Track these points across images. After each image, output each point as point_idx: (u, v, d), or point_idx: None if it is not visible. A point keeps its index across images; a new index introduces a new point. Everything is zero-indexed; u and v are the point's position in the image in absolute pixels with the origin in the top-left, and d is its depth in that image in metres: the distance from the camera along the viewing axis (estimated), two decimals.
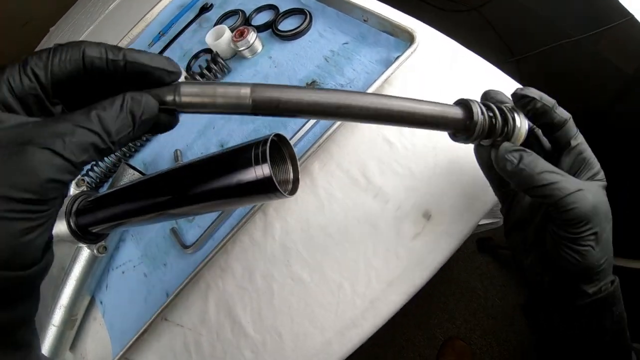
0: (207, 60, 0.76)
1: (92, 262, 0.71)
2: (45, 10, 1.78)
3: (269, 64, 0.74)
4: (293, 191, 0.34)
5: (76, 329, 0.75)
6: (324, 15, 0.75)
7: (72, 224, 0.40)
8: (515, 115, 0.36)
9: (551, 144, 0.39)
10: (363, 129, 0.62)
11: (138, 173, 0.72)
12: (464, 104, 0.37)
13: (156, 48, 0.97)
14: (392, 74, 0.60)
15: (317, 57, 0.70)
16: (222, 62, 0.75)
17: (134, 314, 0.69)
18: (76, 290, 0.72)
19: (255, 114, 0.32)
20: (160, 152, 0.80)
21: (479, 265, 1.57)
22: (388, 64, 0.62)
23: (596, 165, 0.36)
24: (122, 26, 1.17)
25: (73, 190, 0.84)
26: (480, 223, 0.68)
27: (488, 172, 0.43)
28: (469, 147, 0.45)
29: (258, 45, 0.76)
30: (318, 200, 0.60)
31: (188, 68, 0.84)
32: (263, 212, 0.63)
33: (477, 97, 0.58)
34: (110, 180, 0.79)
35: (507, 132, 0.36)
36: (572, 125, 0.37)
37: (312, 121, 0.62)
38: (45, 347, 0.73)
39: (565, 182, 0.33)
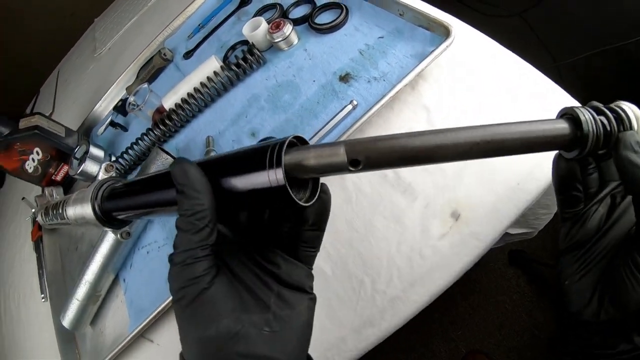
0: (243, 51, 0.77)
1: (118, 243, 0.74)
2: (88, 2, 1.87)
3: (304, 57, 0.75)
4: (310, 199, 0.31)
5: (98, 305, 0.79)
6: (361, 10, 0.75)
7: (97, 209, 0.41)
8: (624, 107, 0.31)
9: None
10: (394, 122, 0.61)
11: (170, 157, 0.74)
12: (568, 113, 0.32)
13: (195, 40, 1.00)
14: (425, 67, 0.59)
15: (352, 51, 0.70)
16: (258, 53, 0.76)
17: (154, 294, 0.71)
18: (101, 268, 0.75)
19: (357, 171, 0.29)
20: (193, 138, 0.82)
21: (509, 278, 1.51)
22: (423, 58, 0.61)
23: None
24: (163, 18, 1.21)
25: (102, 175, 0.88)
26: (511, 232, 0.66)
27: (564, 187, 0.37)
28: None
29: (294, 38, 0.77)
30: (346, 193, 0.60)
31: (225, 59, 0.86)
32: None
33: (515, 96, 0.57)
34: (142, 164, 0.82)
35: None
36: None
37: (343, 113, 0.62)
38: (67, 319, 0.77)
39: None
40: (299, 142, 0.30)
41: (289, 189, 0.26)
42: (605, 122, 0.30)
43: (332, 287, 0.56)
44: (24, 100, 1.83)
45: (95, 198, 0.41)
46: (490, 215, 0.52)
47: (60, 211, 0.48)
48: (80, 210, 0.43)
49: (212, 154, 0.74)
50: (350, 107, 0.63)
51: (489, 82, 0.59)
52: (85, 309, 0.78)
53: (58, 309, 0.84)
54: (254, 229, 0.35)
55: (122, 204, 0.40)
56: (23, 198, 1.17)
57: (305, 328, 0.33)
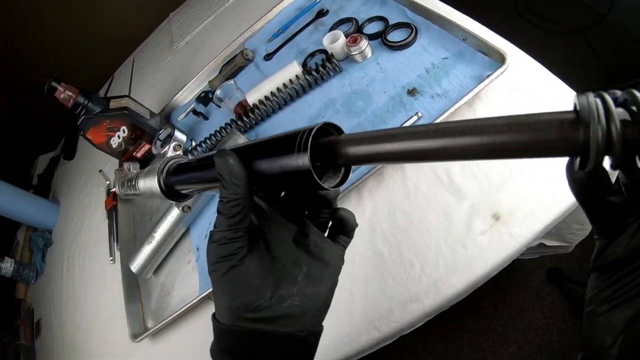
0: (322, 59, 0.93)
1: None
2: None
3: (377, 70, 0.89)
4: (340, 183, 0.35)
5: (164, 255, 0.98)
6: (429, 31, 0.89)
7: (162, 182, 0.46)
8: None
9: None
10: None
11: (244, 137, 0.90)
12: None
13: (274, 44, 1.16)
14: (482, 89, 0.73)
15: (419, 68, 0.84)
16: (336, 62, 0.91)
17: None
18: (170, 229, 0.94)
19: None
20: (272, 132, 0.96)
21: (544, 296, 1.58)
22: (480, 80, 0.75)
23: None
24: (241, 19, 1.38)
25: (170, 153, 1.04)
26: (547, 243, 0.77)
27: (587, 201, 0.30)
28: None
29: (368, 52, 0.91)
30: (406, 190, 0.74)
31: (304, 64, 1.01)
32: (357, 192, 0.78)
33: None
34: (219, 143, 0.98)
35: None
36: None
37: (409, 122, 0.77)
38: (135, 265, 0.96)
39: None
40: (334, 130, 0.34)
41: (313, 172, 0.29)
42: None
43: (387, 266, 0.70)
44: (96, 81, 2.06)
45: (161, 173, 0.46)
46: (526, 220, 0.64)
47: (134, 183, 0.54)
48: (149, 183, 0.48)
49: None
50: (415, 117, 0.77)
51: (538, 108, 0.71)
52: (151, 257, 0.96)
53: (126, 265, 1.02)
54: (294, 207, 0.41)
55: (182, 179, 0.45)
56: (100, 170, 1.37)
57: (324, 305, 0.39)
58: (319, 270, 0.38)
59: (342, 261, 0.41)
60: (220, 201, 0.34)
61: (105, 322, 1.12)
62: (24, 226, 1.67)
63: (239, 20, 1.41)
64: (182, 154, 0.66)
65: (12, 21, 2.09)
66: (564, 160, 0.59)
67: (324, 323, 0.40)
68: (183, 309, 0.84)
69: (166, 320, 0.86)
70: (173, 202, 0.69)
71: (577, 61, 1.91)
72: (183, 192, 0.46)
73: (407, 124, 0.77)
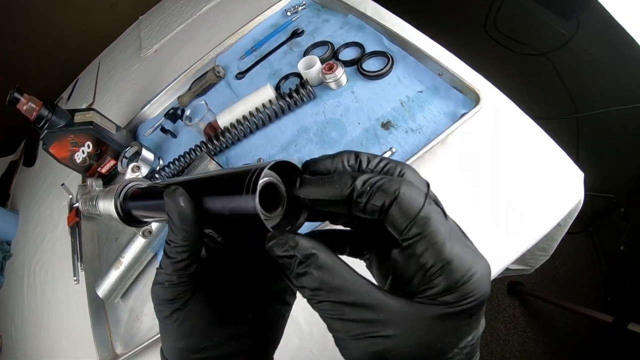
0: (297, 85, 0.91)
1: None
2: None
3: (351, 99, 0.88)
4: (288, 224, 0.31)
5: (132, 280, 0.94)
6: (404, 62, 0.88)
7: (119, 207, 0.44)
8: None
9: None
10: (424, 172, 0.74)
11: (219, 165, 0.88)
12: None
13: (247, 62, 1.14)
14: (456, 129, 0.73)
15: (394, 100, 0.84)
16: (310, 88, 0.89)
17: None
18: (140, 250, 0.90)
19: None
20: (243, 157, 0.95)
21: (505, 308, 1.64)
22: (454, 117, 0.76)
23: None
24: (214, 31, 1.36)
25: (129, 174, 1.01)
26: (511, 267, 0.79)
27: None
28: (514, 196, 0.57)
29: (343, 80, 0.90)
30: None
31: (277, 87, 1.00)
32: None
33: (529, 166, 0.70)
34: (188, 167, 0.95)
35: None
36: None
37: (385, 154, 0.76)
38: (101, 290, 0.92)
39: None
40: (290, 168, 0.30)
41: (261, 216, 0.26)
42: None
43: None
44: (59, 83, 1.98)
45: (118, 196, 0.44)
46: (491, 257, 0.64)
47: (94, 203, 0.51)
48: (107, 205, 0.45)
49: None
50: (389, 153, 0.76)
51: (510, 147, 0.72)
52: (119, 282, 0.92)
53: (91, 287, 0.97)
54: (242, 243, 0.38)
55: (139, 205, 0.42)
56: (62, 184, 1.31)
57: (274, 341, 0.38)
58: (269, 304, 0.37)
59: (294, 294, 0.39)
60: (167, 243, 0.32)
61: (71, 345, 1.08)
62: None
63: (212, 32, 1.38)
64: (142, 176, 0.64)
65: None
66: (526, 201, 0.66)
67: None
68: (155, 337, 0.81)
69: (138, 348, 0.83)
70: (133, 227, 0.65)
71: (542, 83, 1.97)
72: (142, 219, 0.44)
73: (393, 147, 0.77)
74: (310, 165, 0.30)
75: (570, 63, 1.92)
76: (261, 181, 0.27)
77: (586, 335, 1.50)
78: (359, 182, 0.26)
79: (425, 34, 0.92)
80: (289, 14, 1.17)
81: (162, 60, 1.52)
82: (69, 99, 1.82)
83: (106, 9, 2.18)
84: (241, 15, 1.30)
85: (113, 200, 0.44)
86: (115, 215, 0.44)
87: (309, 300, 0.27)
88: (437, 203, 0.27)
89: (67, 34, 2.17)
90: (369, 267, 0.35)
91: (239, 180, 0.28)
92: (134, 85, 1.52)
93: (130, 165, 0.83)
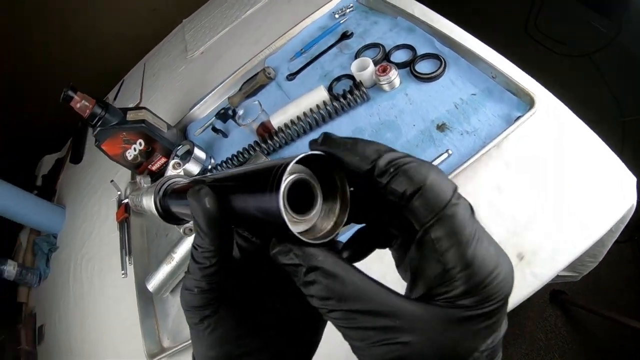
0: (350, 86, 0.93)
1: None
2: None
3: (405, 101, 0.90)
4: (325, 237, 0.26)
5: (181, 277, 0.96)
6: (457, 65, 0.90)
7: (158, 203, 0.43)
8: None
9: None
10: (480, 174, 0.76)
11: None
12: None
13: (297, 63, 1.17)
14: (511, 132, 0.74)
15: (447, 102, 0.85)
16: (364, 90, 0.92)
17: None
18: (190, 246, 0.93)
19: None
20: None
21: (547, 317, 1.62)
22: (508, 120, 0.77)
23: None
24: (260, 34, 1.39)
25: (170, 171, 1.04)
26: (559, 273, 0.80)
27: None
28: (569, 201, 0.58)
29: (396, 82, 0.92)
30: None
31: (330, 89, 1.02)
32: None
33: (582, 172, 0.71)
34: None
35: None
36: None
37: (439, 159, 0.78)
38: (152, 284, 0.95)
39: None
40: (321, 162, 0.26)
41: (284, 217, 0.23)
42: None
43: None
44: (104, 84, 2.06)
45: (157, 193, 0.43)
46: (547, 260, 0.66)
47: (140, 199, 0.50)
48: (149, 202, 0.44)
49: None
50: (446, 155, 0.78)
51: (564, 151, 0.73)
52: (170, 277, 0.95)
53: (140, 281, 1.01)
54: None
55: (176, 203, 0.41)
56: (112, 181, 1.37)
57: (314, 342, 0.36)
58: (307, 314, 0.34)
59: None
60: (194, 247, 0.30)
61: (116, 336, 1.12)
62: (26, 228, 1.66)
63: (258, 34, 1.42)
64: (182, 172, 0.64)
65: (18, 21, 2.09)
66: (580, 205, 0.65)
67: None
68: None
69: (186, 343, 0.86)
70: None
71: (585, 85, 1.94)
72: (181, 217, 0.43)
73: (437, 161, 0.78)
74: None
75: (614, 64, 1.89)
76: (289, 178, 0.25)
77: (629, 347, 1.47)
78: (382, 160, 0.24)
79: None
80: (336, 16, 1.20)
81: (208, 62, 1.57)
82: (115, 99, 1.89)
83: (149, 13, 2.26)
84: (287, 18, 1.33)
85: (153, 197, 0.43)
86: (155, 212, 0.43)
87: (320, 310, 0.25)
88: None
89: (109, 38, 2.26)
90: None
91: (265, 175, 0.25)
92: (181, 86, 1.58)
93: (172, 162, 0.85)
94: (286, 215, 0.23)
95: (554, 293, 1.62)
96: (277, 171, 0.24)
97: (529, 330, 1.61)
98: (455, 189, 0.24)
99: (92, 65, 2.16)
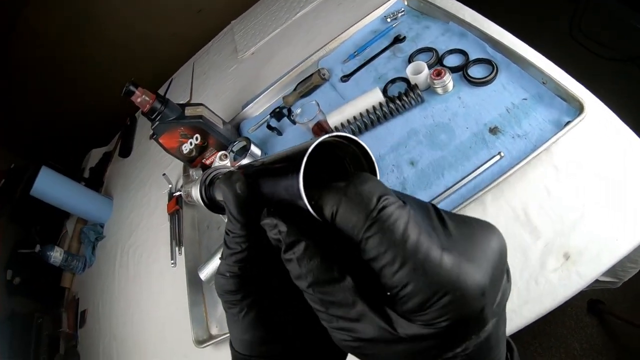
0: (405, 89, 1.00)
1: None
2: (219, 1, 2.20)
3: (458, 104, 0.96)
4: None
5: None
6: (508, 70, 0.95)
7: (203, 192, 0.44)
8: None
9: None
10: (530, 177, 0.81)
11: None
12: None
13: (351, 65, 1.24)
14: (561, 137, 0.79)
15: (499, 106, 0.91)
16: (419, 93, 0.98)
17: None
18: None
19: None
20: None
21: (583, 326, 1.62)
22: (558, 125, 0.82)
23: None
24: (311, 36, 1.47)
25: (217, 162, 1.08)
26: (600, 278, 0.82)
27: None
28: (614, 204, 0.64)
29: (450, 86, 0.98)
30: None
31: (384, 91, 1.09)
32: None
33: (632, 178, 0.76)
34: None
35: None
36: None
37: (491, 161, 0.84)
38: (204, 273, 1.02)
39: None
40: (353, 145, 0.28)
41: (305, 199, 0.25)
42: None
43: None
44: (151, 82, 2.16)
45: (203, 182, 0.44)
46: (592, 260, 0.70)
47: (190, 190, 0.51)
48: (195, 192, 0.46)
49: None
50: (497, 157, 0.83)
51: (611, 156, 0.77)
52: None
53: (191, 271, 1.08)
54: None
55: (215, 192, 0.42)
56: (164, 174, 1.46)
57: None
58: None
59: None
60: (226, 233, 0.31)
61: (161, 322, 1.20)
62: (73, 217, 1.78)
63: (309, 36, 1.50)
64: (228, 164, 0.59)
65: (68, 23, 2.21)
66: (625, 207, 0.67)
67: None
68: None
69: None
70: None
71: (630, 90, 1.94)
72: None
73: (490, 162, 0.84)
74: None
75: None
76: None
77: None
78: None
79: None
80: (388, 20, 1.27)
81: (259, 62, 1.66)
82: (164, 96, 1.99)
83: (194, 14, 2.37)
84: (338, 21, 1.41)
85: (199, 187, 0.45)
86: (200, 201, 0.45)
87: (296, 284, 0.26)
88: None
89: (157, 37, 2.36)
90: None
91: (290, 157, 0.26)
92: (232, 85, 1.67)
93: (219, 154, 0.87)
94: (305, 198, 0.24)
95: (592, 302, 1.62)
96: (299, 152, 0.25)
97: (564, 339, 1.62)
98: (380, 196, 0.24)
99: (140, 65, 2.27)
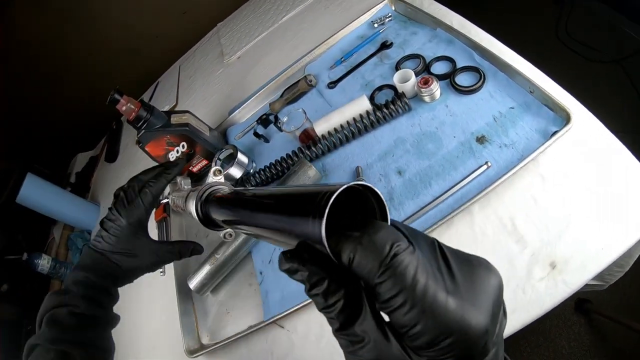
0: (393, 97, 1.00)
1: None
2: (203, 3, 2.19)
3: (445, 113, 0.97)
4: None
5: (224, 276, 1.03)
6: (495, 78, 0.96)
7: (199, 209, 0.45)
8: None
9: None
10: (517, 186, 0.82)
11: (314, 168, 0.98)
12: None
13: (337, 71, 1.24)
14: (548, 147, 0.80)
15: (486, 115, 0.91)
16: (407, 101, 0.98)
17: (292, 291, 0.92)
18: (236, 248, 1.00)
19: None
20: (340, 164, 1.05)
21: (571, 325, 1.66)
22: (545, 135, 0.83)
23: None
24: (298, 41, 1.46)
25: (211, 178, 1.09)
26: (587, 282, 0.85)
27: None
28: (599, 213, 0.65)
29: (437, 94, 0.98)
30: (473, 233, 0.82)
31: (372, 98, 1.09)
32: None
33: (618, 187, 0.77)
34: (286, 174, 1.04)
35: None
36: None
37: (479, 171, 0.84)
38: (193, 283, 1.01)
39: None
40: (368, 192, 0.29)
41: (325, 244, 0.26)
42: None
43: None
44: (136, 84, 2.16)
45: (199, 198, 0.46)
46: (578, 269, 0.72)
47: (184, 201, 0.53)
48: (191, 206, 0.47)
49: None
50: (485, 167, 0.84)
51: (597, 165, 0.78)
52: (212, 276, 1.01)
53: (180, 280, 1.07)
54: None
55: (220, 212, 0.42)
56: None
57: None
58: None
59: None
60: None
61: (153, 331, 1.19)
62: (60, 224, 1.76)
63: (296, 41, 1.50)
64: (222, 179, 0.62)
65: (53, 22, 2.18)
66: (611, 215, 0.69)
67: None
68: (246, 332, 0.91)
69: (227, 341, 0.93)
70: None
71: (616, 92, 1.97)
72: (220, 223, 0.45)
73: (477, 172, 0.85)
74: None
75: None
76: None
77: None
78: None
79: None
80: (375, 25, 1.27)
81: (246, 66, 1.65)
82: (150, 100, 1.98)
83: (179, 15, 2.35)
84: (325, 26, 1.41)
85: (194, 202, 0.46)
86: (195, 216, 0.46)
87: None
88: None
89: (139, 39, 2.35)
90: None
91: (307, 200, 0.28)
92: (219, 90, 1.66)
93: (213, 169, 0.89)
94: (327, 247, 0.27)
95: (580, 301, 1.66)
96: (322, 197, 0.26)
97: (552, 338, 1.66)
98: (393, 244, 0.26)
99: (124, 67, 2.26)
